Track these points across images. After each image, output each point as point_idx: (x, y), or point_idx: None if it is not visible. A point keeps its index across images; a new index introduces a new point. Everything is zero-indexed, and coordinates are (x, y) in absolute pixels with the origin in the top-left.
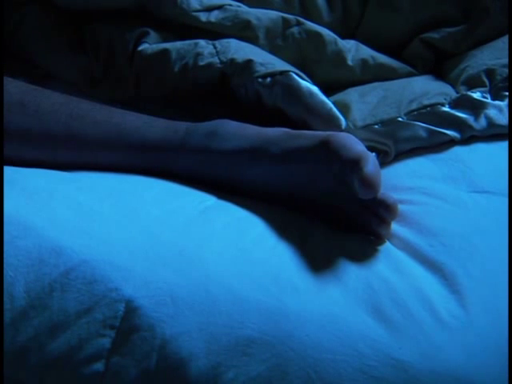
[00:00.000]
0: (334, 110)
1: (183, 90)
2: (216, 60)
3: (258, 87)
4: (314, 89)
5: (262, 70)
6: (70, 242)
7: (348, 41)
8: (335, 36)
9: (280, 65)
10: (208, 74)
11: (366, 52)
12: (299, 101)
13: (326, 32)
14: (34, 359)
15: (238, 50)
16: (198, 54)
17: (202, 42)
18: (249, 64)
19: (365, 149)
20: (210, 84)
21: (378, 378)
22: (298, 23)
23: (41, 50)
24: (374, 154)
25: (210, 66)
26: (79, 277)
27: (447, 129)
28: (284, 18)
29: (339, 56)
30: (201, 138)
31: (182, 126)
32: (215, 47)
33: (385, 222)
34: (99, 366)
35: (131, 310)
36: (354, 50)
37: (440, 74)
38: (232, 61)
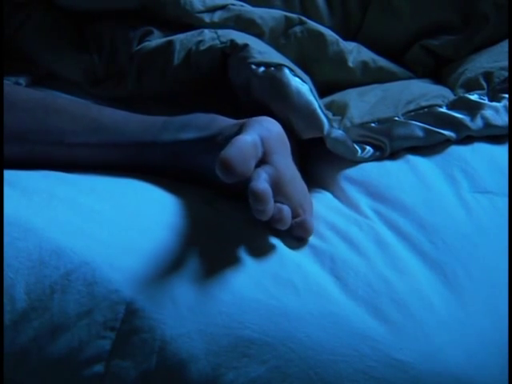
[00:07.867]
0: (318, 112)
1: (185, 83)
2: (217, 42)
3: (250, 75)
4: (303, 88)
5: (258, 56)
6: (70, 244)
7: (350, 42)
8: (337, 37)
9: (277, 58)
10: (209, 56)
11: (368, 55)
12: (284, 98)
13: (328, 32)
14: (34, 361)
15: (239, 36)
16: (200, 41)
17: (205, 31)
18: (247, 47)
19: (246, 136)
20: (211, 71)
21: (379, 379)
22: (301, 22)
23: (43, 50)
24: (247, 138)
25: (210, 48)
26: (80, 278)
27: (443, 129)
28: (287, 17)
29: (340, 57)
30: (175, 130)
31: (159, 120)
32: (217, 33)
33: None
34: (99, 367)
35: (131, 311)
36: (356, 52)
37: (439, 78)
38: (232, 41)
